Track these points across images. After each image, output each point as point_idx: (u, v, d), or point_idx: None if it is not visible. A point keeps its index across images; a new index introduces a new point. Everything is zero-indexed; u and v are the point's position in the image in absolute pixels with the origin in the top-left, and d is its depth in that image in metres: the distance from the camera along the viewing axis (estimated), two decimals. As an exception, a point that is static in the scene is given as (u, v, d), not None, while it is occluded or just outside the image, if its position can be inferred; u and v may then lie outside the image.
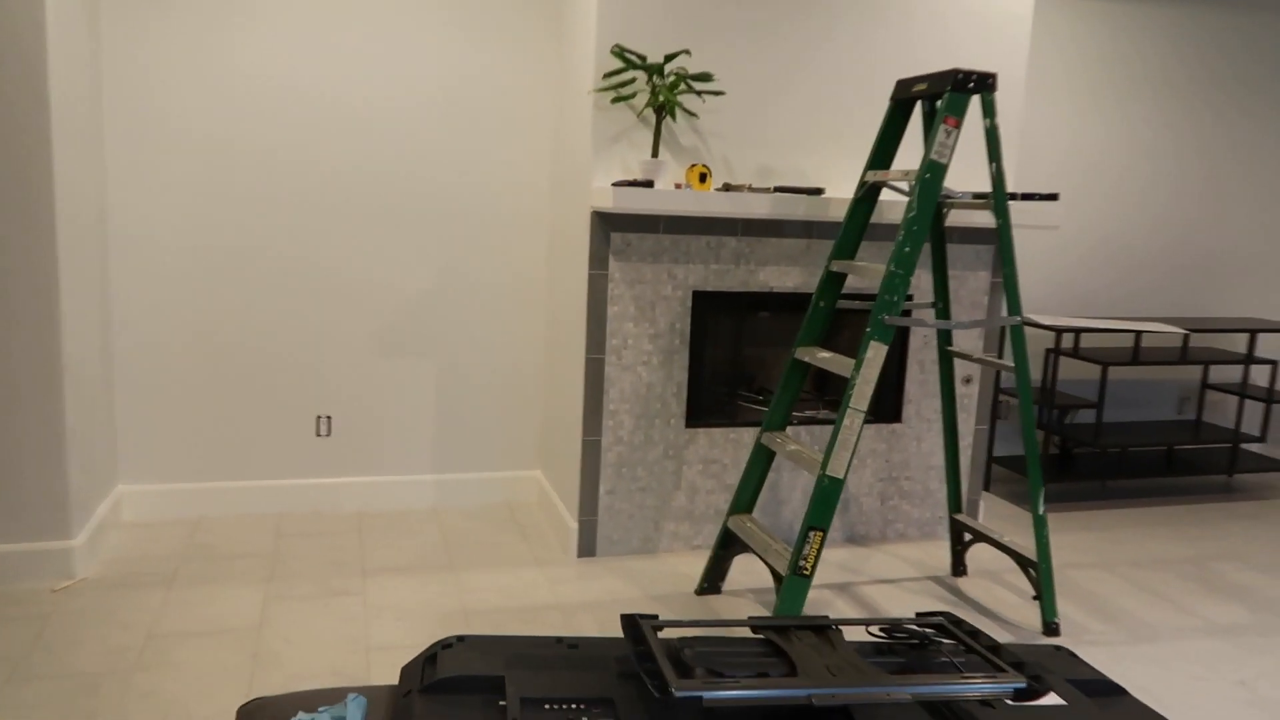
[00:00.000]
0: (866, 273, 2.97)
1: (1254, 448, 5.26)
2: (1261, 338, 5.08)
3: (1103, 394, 4.35)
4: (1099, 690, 1.65)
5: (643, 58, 3.21)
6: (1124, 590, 3.50)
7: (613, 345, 3.47)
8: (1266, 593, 3.53)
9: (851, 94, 3.62)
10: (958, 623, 1.75)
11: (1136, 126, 4.75)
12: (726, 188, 3.37)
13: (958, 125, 2.78)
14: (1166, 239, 4.92)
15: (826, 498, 2.77)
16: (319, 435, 3.91)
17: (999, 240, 2.95)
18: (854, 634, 2.91)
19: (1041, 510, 3.03)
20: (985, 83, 2.80)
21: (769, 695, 1.41)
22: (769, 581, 3.44)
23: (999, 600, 3.37)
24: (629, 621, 1.64)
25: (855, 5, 3.55)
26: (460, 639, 1.72)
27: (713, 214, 3.22)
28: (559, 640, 1.75)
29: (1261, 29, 4.88)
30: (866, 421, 3.82)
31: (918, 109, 3.71)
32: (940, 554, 3.78)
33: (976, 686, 1.48)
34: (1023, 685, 1.49)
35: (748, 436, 3.68)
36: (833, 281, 3.15)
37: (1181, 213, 4.91)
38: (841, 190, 3.67)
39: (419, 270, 3.89)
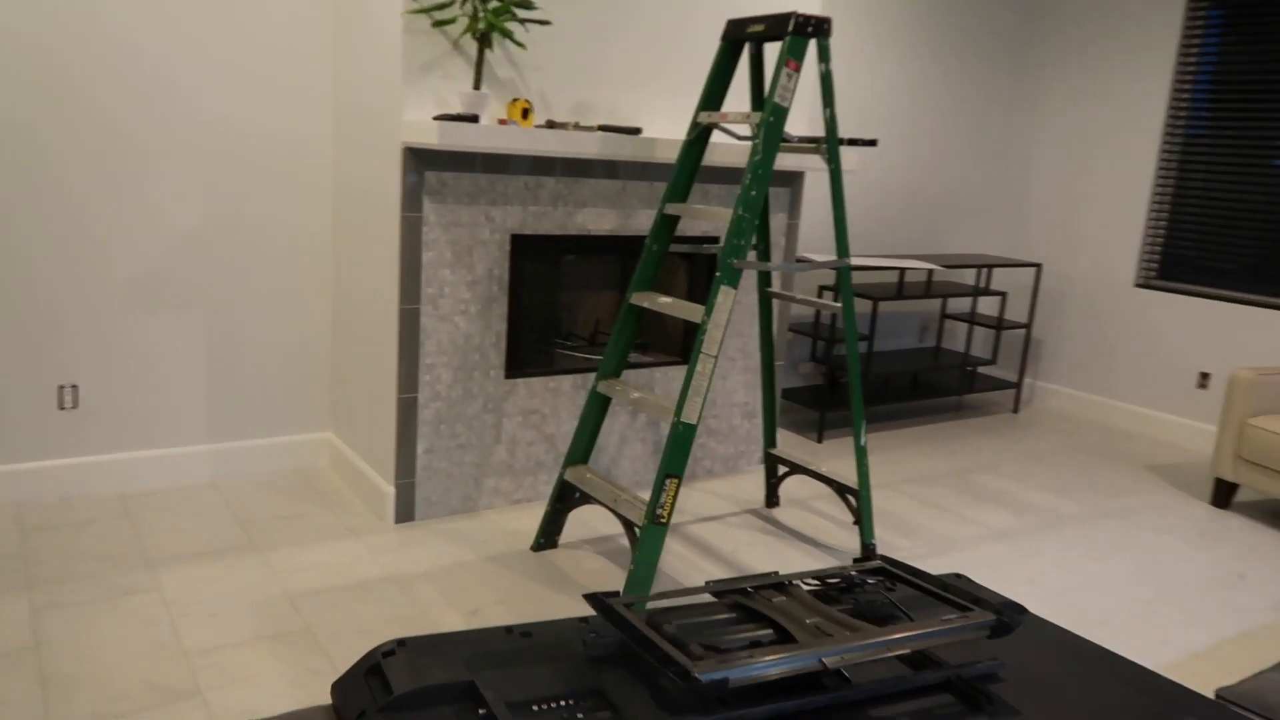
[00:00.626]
0: (705, 215, 2.95)
1: (986, 370, 5.93)
2: (995, 272, 5.70)
3: (873, 328, 4.69)
4: (1009, 610, 1.76)
5: (462, -22, 2.93)
6: (911, 507, 3.82)
7: (428, 294, 3.21)
8: (1021, 497, 4.01)
9: (669, 30, 3.54)
10: (896, 564, 1.80)
11: (896, 79, 5.09)
12: (551, 125, 3.19)
13: (798, 69, 2.79)
14: (919, 183, 5.35)
15: (682, 444, 2.75)
16: (62, 408, 3.30)
17: (831, 185, 3.04)
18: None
19: (863, 441, 3.21)
20: (822, 27, 2.83)
21: (787, 666, 1.36)
22: (601, 531, 3.40)
23: (815, 527, 3.56)
24: (601, 606, 1.52)
25: (666, -62, 3.45)
26: (400, 643, 1.51)
27: (541, 153, 3.03)
28: (508, 630, 1.60)
29: (985, -10, 5.38)
30: (671, 364, 3.85)
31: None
32: (749, 487, 3.92)
33: (960, 629, 1.52)
34: (993, 621, 1.55)
35: (567, 385, 3.58)
36: (666, 225, 3.10)
37: (931, 159, 5.35)
38: (658, 130, 3.61)
39: (179, 212, 3.36)
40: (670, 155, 3.35)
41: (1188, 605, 3.10)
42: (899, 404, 5.39)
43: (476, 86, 3.03)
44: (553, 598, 2.88)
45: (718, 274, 2.76)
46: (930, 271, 5.27)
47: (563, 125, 3.19)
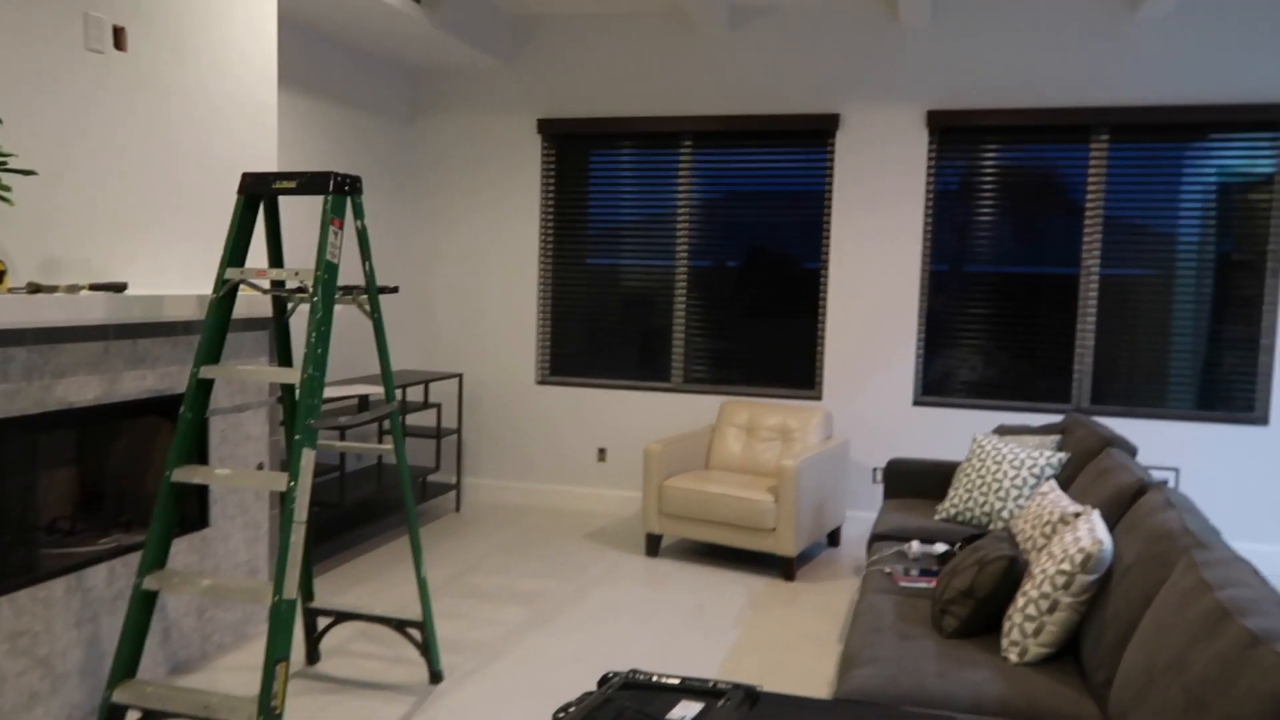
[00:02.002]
0: (248, 375, 2.81)
1: (432, 477, 6.23)
2: (432, 386, 6.06)
3: (344, 459, 4.71)
4: (741, 687, 2.11)
5: (-83, 120, 2.34)
6: (438, 623, 3.98)
7: (-126, 516, 2.43)
8: (519, 587, 4.44)
9: (144, 174, 3.21)
10: (637, 673, 2.05)
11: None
12: (36, 289, 2.69)
13: (342, 225, 2.86)
14: (337, 310, 5.48)
15: (285, 623, 2.58)
16: None
17: (376, 334, 3.11)
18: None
19: (424, 573, 3.31)
20: (357, 186, 2.94)
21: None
22: (145, 749, 2.89)
23: (370, 670, 3.50)
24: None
25: (117, 86, 3.16)
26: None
27: (42, 324, 2.56)
28: None
29: (383, 132, 5.80)
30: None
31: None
32: (262, 651, 3.65)
33: (733, 708, 1.85)
34: (744, 694, 1.92)
35: (59, 590, 2.96)
36: (202, 389, 2.85)
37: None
38: (142, 285, 3.24)
39: None
40: (177, 313, 3.07)
41: (693, 635, 3.85)
42: (368, 526, 5.44)
43: (-60, 250, 2.44)
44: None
45: (296, 437, 2.67)
46: (367, 396, 5.46)
47: (51, 288, 2.72)
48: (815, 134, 5.55)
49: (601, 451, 5.97)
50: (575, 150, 5.97)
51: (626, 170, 5.88)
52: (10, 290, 2.65)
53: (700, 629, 3.99)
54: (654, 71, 5.72)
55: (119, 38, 3.17)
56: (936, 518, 4.07)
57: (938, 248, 5.41)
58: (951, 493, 4.08)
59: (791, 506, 4.55)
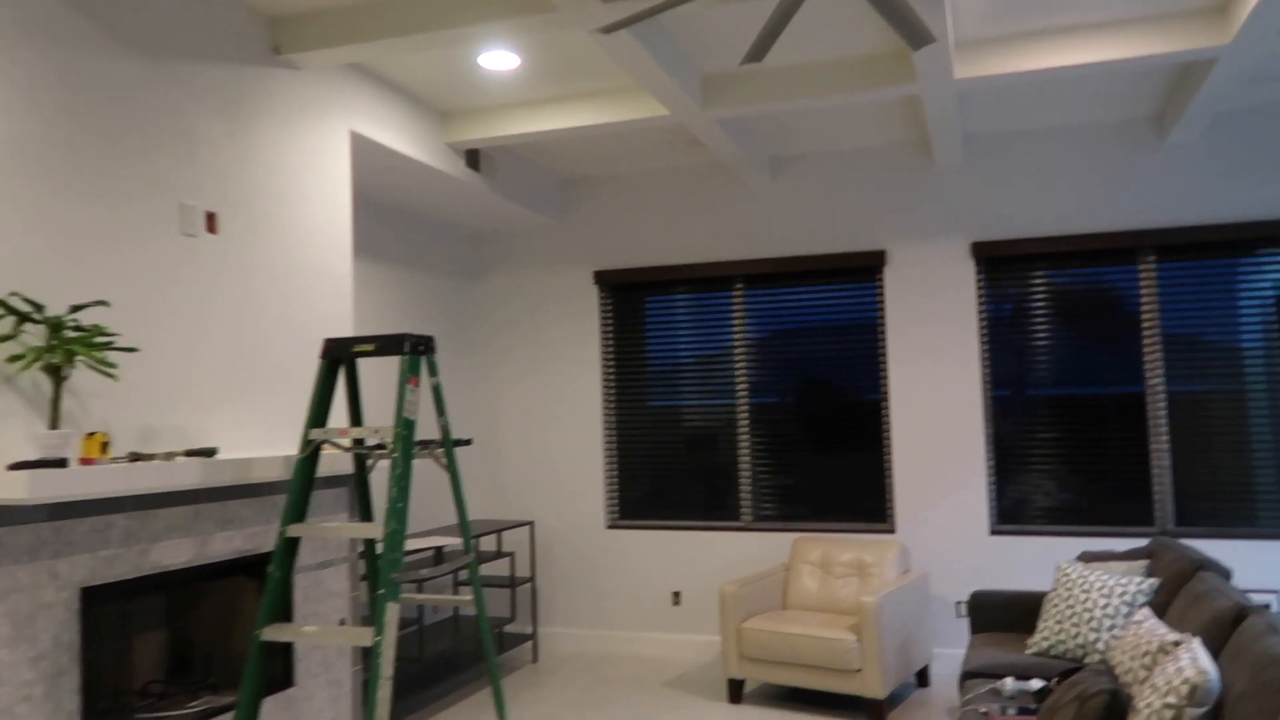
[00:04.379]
0: (332, 532, 2.89)
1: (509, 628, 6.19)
2: (504, 535, 6.11)
3: (422, 610, 4.73)
4: None
5: (39, 306, 2.56)
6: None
7: (-18, 686, 2.51)
8: (597, 742, 4.33)
9: (229, 347, 3.42)
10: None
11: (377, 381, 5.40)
12: (136, 457, 2.84)
13: (418, 384, 2.99)
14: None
15: (373, 783, 2.56)
16: None
17: (453, 486, 3.20)
18: None
19: (506, 727, 3.28)
20: (430, 346, 3.09)
21: None
22: None
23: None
24: None
25: (208, 265, 3.41)
26: None
27: (139, 491, 2.69)
28: None
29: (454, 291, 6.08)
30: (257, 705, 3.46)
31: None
32: (354, 814, 3.60)
33: None
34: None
35: (150, 755, 2.99)
36: (288, 548, 2.94)
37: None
38: (231, 449, 3.39)
39: None
40: (264, 474, 3.19)
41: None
42: (448, 679, 5.39)
43: (54, 425, 2.61)
44: None
45: (380, 591, 2.72)
46: (442, 547, 5.51)
47: (149, 456, 2.87)
48: (864, 270, 5.67)
49: (676, 595, 5.89)
50: (631, 297, 6.17)
51: (682, 314, 6.05)
52: (113, 460, 2.80)
53: (789, 779, 3.83)
54: (701, 220, 5.95)
55: (210, 222, 3.44)
56: (1028, 652, 3.92)
57: (997, 373, 5.41)
58: (1041, 624, 3.93)
59: (875, 644, 4.41)
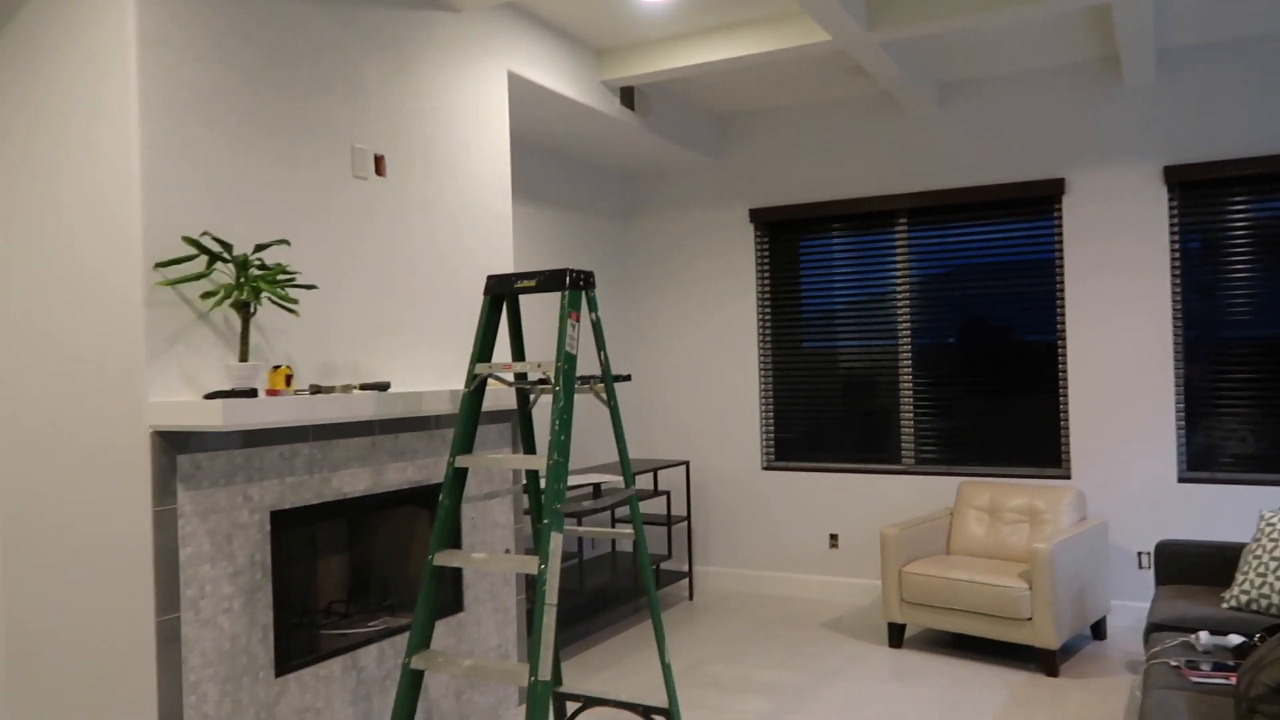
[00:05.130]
0: (497, 463, 2.96)
1: (665, 565, 6.31)
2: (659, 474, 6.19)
3: (581, 545, 4.84)
4: None
5: (228, 245, 2.70)
6: (682, 710, 3.93)
7: (189, 597, 2.73)
8: (757, 678, 4.34)
9: (401, 285, 3.54)
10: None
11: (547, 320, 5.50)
12: (316, 390, 2.98)
13: (579, 319, 3.00)
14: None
15: (541, 704, 2.64)
16: None
17: (613, 421, 3.22)
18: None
19: (668, 659, 3.31)
20: (590, 281, 3.09)
21: None
22: (411, 828, 3.01)
23: (615, 759, 3.51)
24: None
25: (378, 206, 3.51)
26: None
27: (318, 421, 2.82)
28: None
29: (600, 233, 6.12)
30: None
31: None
32: (522, 735, 3.75)
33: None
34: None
35: (336, 669, 3.19)
36: (457, 478, 3.03)
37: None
38: (402, 383, 3.53)
39: None
40: (432, 408, 3.30)
41: (938, 739, 3.60)
42: (606, 613, 5.53)
43: (243, 358, 2.76)
44: None
45: (545, 521, 2.77)
46: (599, 484, 5.61)
47: (329, 389, 3.01)
48: (1039, 201, 5.31)
49: (833, 538, 5.80)
50: (788, 236, 6.01)
51: (841, 252, 5.85)
52: (296, 392, 2.95)
53: (955, 726, 3.73)
54: (863, 154, 5.71)
55: (379, 165, 3.54)
56: (1224, 606, 3.64)
57: (1189, 310, 4.98)
58: (1240, 577, 3.64)
59: (1048, 593, 4.21)
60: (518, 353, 3.37)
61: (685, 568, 6.21)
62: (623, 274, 6.37)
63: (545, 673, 2.65)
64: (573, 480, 4.93)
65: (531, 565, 2.80)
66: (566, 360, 2.90)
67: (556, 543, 2.76)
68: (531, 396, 3.42)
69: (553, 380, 2.90)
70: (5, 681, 2.98)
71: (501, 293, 3.13)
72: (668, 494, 5.64)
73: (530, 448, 3.46)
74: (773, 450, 6.06)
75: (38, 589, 2.90)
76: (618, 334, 6.26)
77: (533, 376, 3.37)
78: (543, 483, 4.34)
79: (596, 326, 3.16)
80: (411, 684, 2.89)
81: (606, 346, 3.32)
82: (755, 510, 6.04)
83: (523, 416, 3.45)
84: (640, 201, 6.41)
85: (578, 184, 5.88)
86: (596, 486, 5.10)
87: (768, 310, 6.07)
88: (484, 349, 3.11)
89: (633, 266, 6.42)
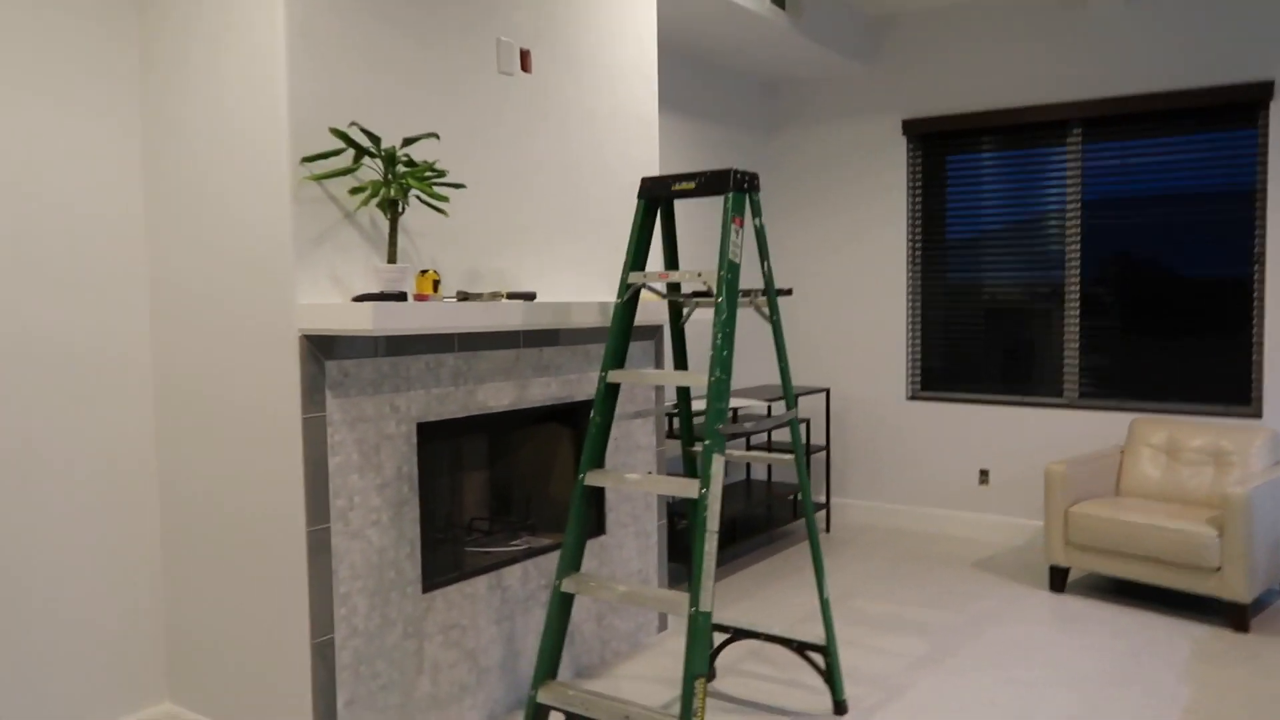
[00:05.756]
0: (655, 379, 2.75)
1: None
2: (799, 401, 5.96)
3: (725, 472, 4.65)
4: None
5: (376, 139, 2.54)
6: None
7: (338, 508, 2.64)
8: (906, 616, 4.09)
9: (545, 189, 3.34)
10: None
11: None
12: (464, 297, 2.83)
13: (743, 224, 2.74)
14: (706, 320, 5.49)
15: (702, 636, 2.46)
16: None
17: (775, 337, 2.97)
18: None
19: (826, 594, 3.10)
20: (755, 184, 2.81)
21: None
22: (558, 752, 2.92)
23: (770, 694, 3.34)
24: None
25: (523, 104, 3.29)
26: None
27: (465, 329, 2.67)
28: None
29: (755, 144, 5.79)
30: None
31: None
32: (665, 663, 3.62)
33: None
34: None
35: (481, 588, 3.09)
36: (609, 394, 2.84)
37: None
38: (547, 293, 3.36)
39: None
40: (580, 320, 3.11)
41: (1128, 691, 3.30)
42: (742, 542, 5.37)
43: (392, 260, 2.62)
44: None
45: (706, 443, 2.56)
46: (737, 409, 5.39)
47: (476, 296, 2.85)
48: (1239, 108, 4.70)
49: (984, 474, 5.45)
50: (944, 150, 5.55)
51: (1002, 169, 5.36)
52: (443, 298, 2.80)
53: (1137, 683, 3.41)
54: (1031, 59, 5.18)
55: (525, 60, 3.31)
56: None
57: None
58: None
59: (1242, 542, 3.80)
60: (670, 262, 3.14)
61: (823, 499, 5.97)
62: (765, 189, 6.02)
63: (706, 604, 2.47)
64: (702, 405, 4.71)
65: (691, 489, 2.60)
66: (730, 269, 2.65)
67: (718, 465, 2.55)
68: (685, 310, 3.19)
69: (715, 290, 2.66)
70: (165, 575, 3.00)
71: (657, 195, 2.89)
72: (806, 422, 5.38)
73: (683, 365, 3.25)
74: (919, 380, 5.71)
75: (201, 495, 2.87)
76: (755, 253, 5.96)
77: (689, 287, 3.14)
78: (696, 404, 4.13)
79: (760, 233, 2.89)
80: (562, 607, 2.76)
81: (770, 256, 3.05)
82: (898, 442, 5.72)
83: (675, 331, 3.23)
84: (785, 113, 6.03)
85: (718, 93, 5.54)
86: (734, 412, 4.88)
87: (919, 232, 5.66)
88: (637, 257, 2.88)
89: (776, 181, 6.07)
